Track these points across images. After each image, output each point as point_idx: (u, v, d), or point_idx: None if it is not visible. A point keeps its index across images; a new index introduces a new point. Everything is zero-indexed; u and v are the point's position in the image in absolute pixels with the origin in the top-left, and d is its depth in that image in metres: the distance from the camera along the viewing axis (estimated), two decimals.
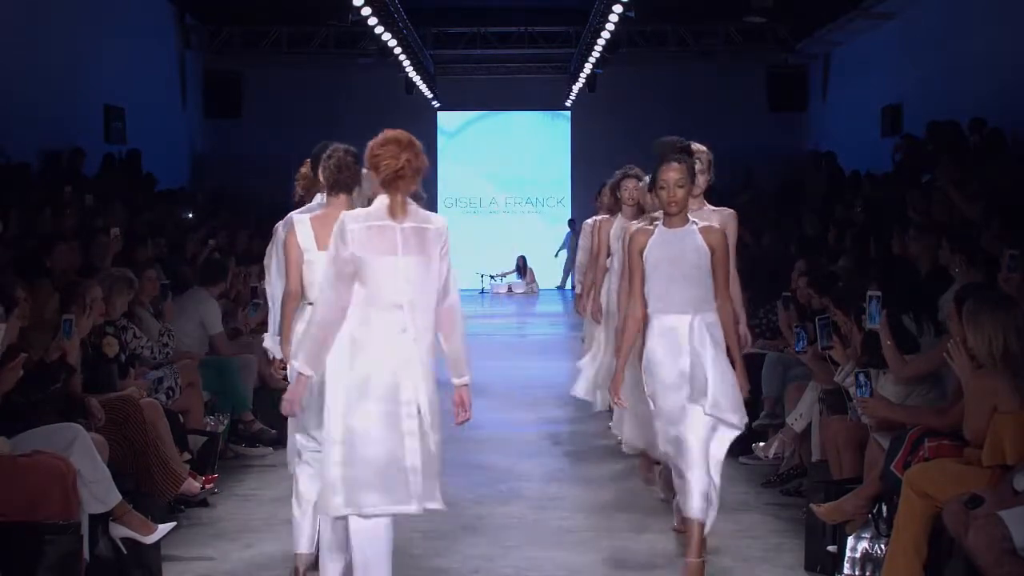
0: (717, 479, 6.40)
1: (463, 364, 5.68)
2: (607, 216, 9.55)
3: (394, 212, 5.44)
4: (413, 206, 5.51)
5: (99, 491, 6.18)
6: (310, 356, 5.46)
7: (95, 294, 7.57)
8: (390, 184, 5.43)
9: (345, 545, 5.63)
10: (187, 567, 6.89)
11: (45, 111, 15.60)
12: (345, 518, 5.49)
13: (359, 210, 5.61)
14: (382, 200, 5.48)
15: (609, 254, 9.36)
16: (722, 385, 6.30)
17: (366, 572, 5.44)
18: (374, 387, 5.40)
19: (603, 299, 9.53)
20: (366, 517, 5.42)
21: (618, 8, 18.14)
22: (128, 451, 7.04)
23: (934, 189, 11.74)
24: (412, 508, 5.43)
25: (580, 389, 9.89)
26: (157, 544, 6.50)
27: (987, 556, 5.26)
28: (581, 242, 10.65)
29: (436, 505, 5.49)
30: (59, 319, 7.02)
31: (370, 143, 5.51)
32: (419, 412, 5.41)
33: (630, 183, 9.11)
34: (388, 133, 5.50)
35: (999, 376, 5.79)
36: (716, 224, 6.62)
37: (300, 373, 5.51)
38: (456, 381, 5.67)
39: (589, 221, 10.17)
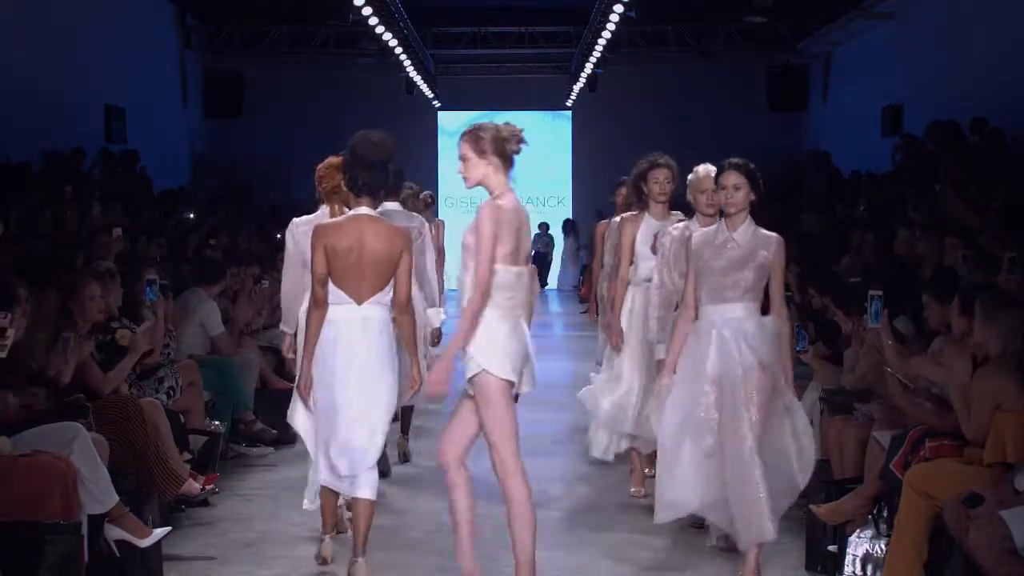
0: None
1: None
2: (634, 213, 8.12)
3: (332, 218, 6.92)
4: None
5: (97, 491, 6.15)
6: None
7: (92, 291, 7.54)
8: (329, 197, 7.08)
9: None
10: (187, 567, 6.88)
11: (45, 111, 15.58)
12: None
13: (306, 216, 7.16)
14: (324, 209, 7.10)
15: (632, 261, 8.05)
16: None
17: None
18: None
19: (624, 320, 8.09)
20: None
21: (618, 8, 18.15)
22: (128, 451, 7.02)
23: (937, 191, 11.73)
24: None
25: (598, 449, 8.53)
26: (158, 544, 6.49)
27: (987, 556, 5.25)
28: (606, 243, 9.03)
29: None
30: (60, 320, 7.00)
31: (318, 166, 7.09)
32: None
33: (660, 174, 7.70)
34: (331, 160, 7.02)
35: (1003, 375, 5.79)
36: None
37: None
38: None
39: (616, 219, 8.65)
